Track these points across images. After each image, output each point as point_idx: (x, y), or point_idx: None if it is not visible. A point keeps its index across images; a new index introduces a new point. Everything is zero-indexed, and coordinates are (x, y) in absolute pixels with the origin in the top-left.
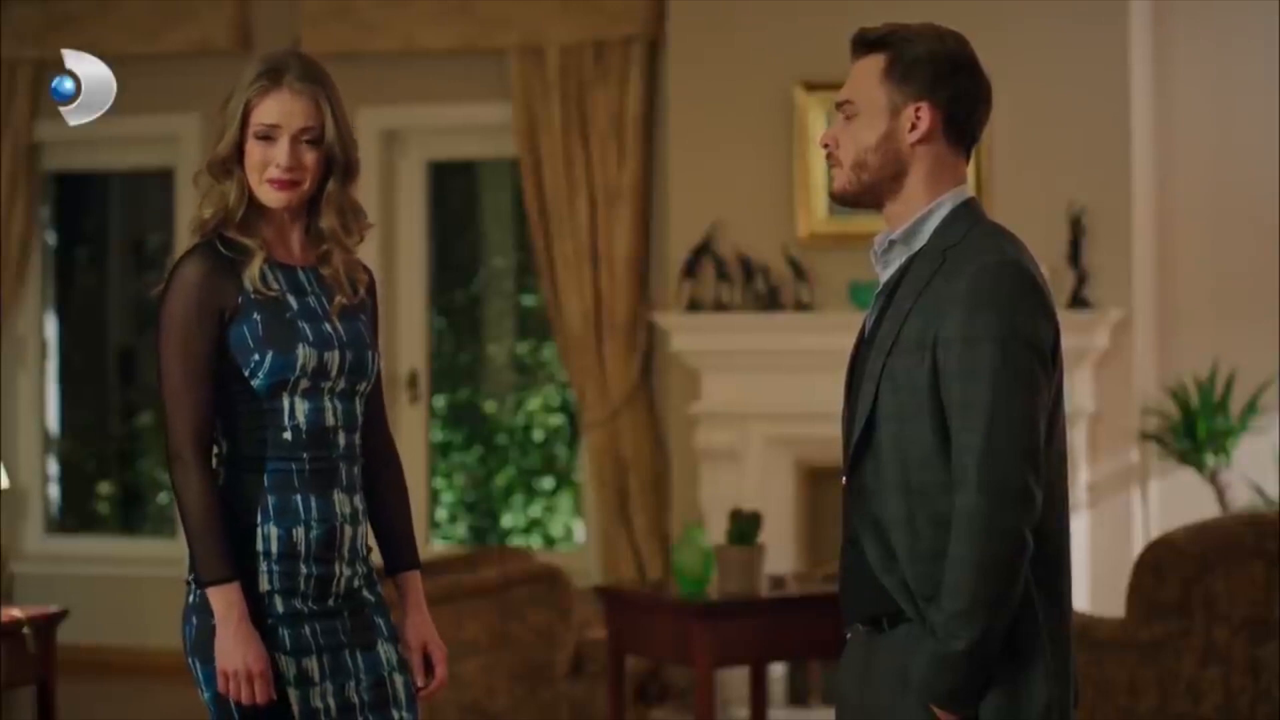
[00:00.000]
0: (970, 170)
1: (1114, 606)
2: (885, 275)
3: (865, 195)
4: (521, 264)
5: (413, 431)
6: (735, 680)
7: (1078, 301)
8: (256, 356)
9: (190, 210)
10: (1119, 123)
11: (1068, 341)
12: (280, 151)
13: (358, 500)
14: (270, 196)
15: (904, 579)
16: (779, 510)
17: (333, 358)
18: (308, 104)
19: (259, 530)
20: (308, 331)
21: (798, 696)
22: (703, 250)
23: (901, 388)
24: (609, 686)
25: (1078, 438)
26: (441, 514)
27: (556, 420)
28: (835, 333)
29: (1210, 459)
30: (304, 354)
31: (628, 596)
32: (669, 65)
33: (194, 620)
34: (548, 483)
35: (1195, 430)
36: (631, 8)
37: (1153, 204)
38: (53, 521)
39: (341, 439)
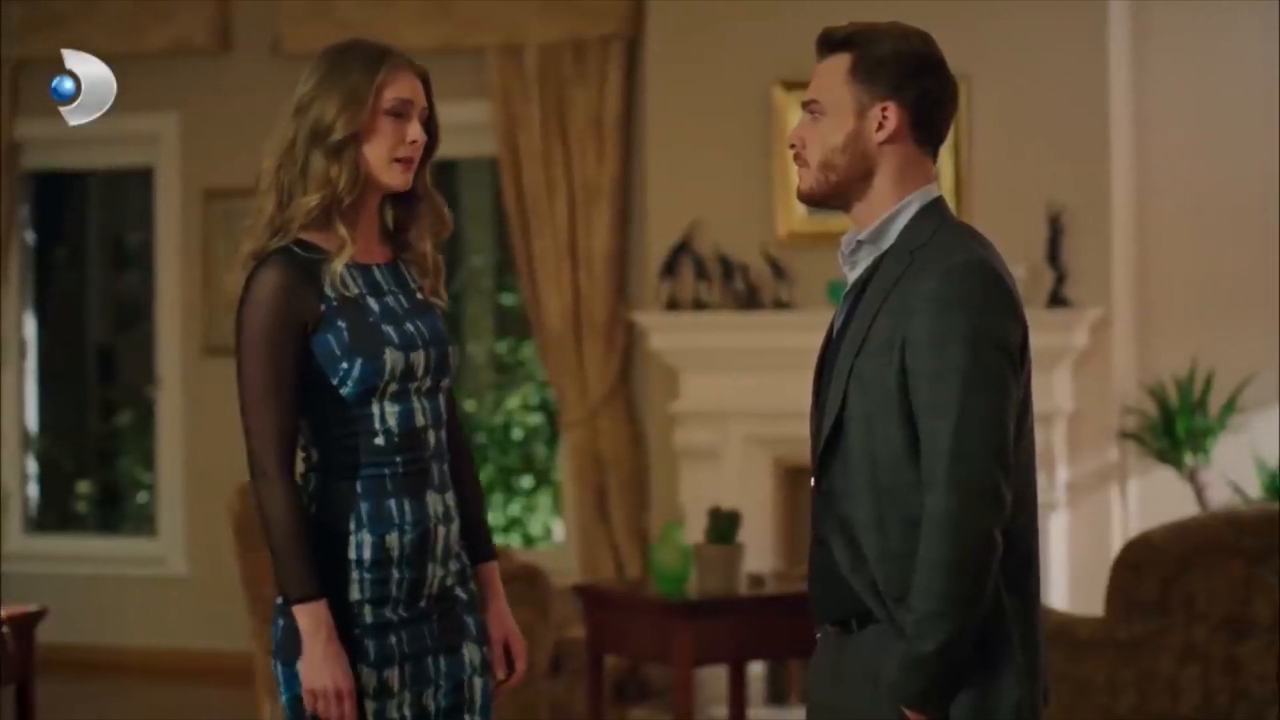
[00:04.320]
0: (949, 169)
1: (1093, 605)
2: (853, 276)
3: (833, 196)
4: (500, 263)
5: None
6: (714, 679)
7: (1056, 300)
8: (345, 365)
9: (177, 210)
10: (1098, 121)
11: (1047, 340)
12: (415, 127)
13: (449, 498)
14: (397, 176)
15: (873, 580)
16: (758, 509)
17: (419, 358)
18: (422, 87)
19: (351, 539)
20: (392, 335)
21: (777, 695)
22: (682, 249)
23: (870, 388)
24: (588, 685)
25: (1057, 437)
26: None
27: (535, 419)
28: (814, 332)
29: (1189, 458)
30: (392, 358)
31: (607, 595)
32: (648, 64)
33: (280, 621)
34: (527, 481)
35: (1174, 429)
36: (610, 7)
37: (1132, 203)
38: (31, 520)
39: (431, 438)
